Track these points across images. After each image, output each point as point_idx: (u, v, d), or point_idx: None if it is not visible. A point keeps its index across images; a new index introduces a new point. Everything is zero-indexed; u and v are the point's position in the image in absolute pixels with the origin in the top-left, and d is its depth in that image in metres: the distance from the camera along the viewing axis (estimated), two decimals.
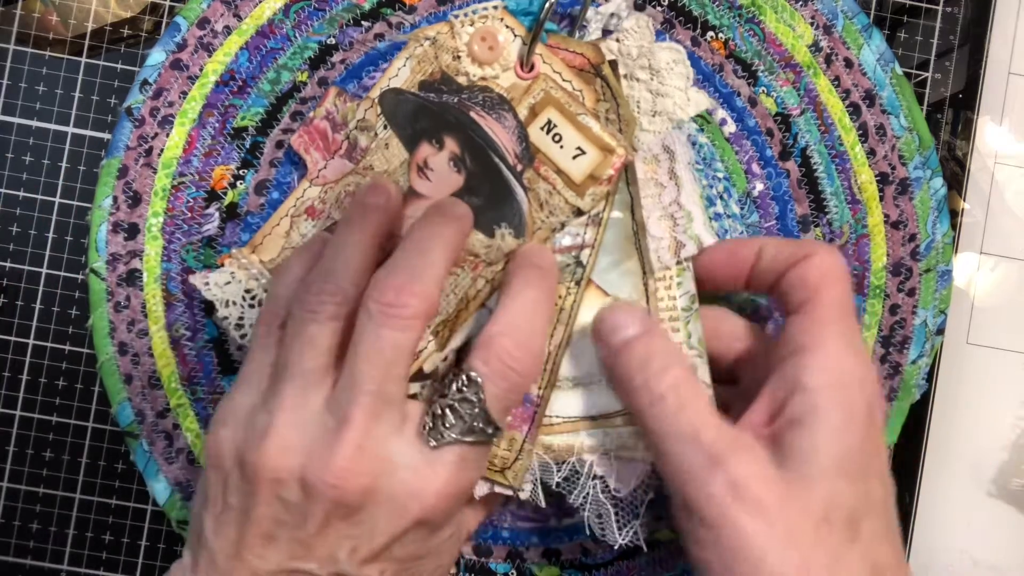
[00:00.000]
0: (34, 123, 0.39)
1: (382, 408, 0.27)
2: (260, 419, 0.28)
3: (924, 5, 0.40)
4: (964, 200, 0.40)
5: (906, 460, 0.39)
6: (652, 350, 0.29)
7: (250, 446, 0.27)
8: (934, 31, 0.40)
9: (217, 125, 0.36)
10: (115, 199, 0.35)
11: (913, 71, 0.40)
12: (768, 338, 0.32)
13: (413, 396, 0.30)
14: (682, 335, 0.32)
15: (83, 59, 0.39)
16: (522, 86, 0.34)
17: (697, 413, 0.27)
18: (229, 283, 0.34)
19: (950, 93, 0.40)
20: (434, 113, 0.34)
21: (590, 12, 0.35)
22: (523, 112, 0.33)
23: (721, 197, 0.36)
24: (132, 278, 0.35)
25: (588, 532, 0.32)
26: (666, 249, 0.32)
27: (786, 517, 0.26)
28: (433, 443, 0.28)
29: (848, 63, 0.36)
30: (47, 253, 0.39)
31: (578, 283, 0.32)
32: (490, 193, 0.33)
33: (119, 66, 0.39)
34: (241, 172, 0.36)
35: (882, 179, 0.36)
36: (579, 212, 0.33)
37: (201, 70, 0.35)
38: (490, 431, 0.28)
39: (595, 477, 0.32)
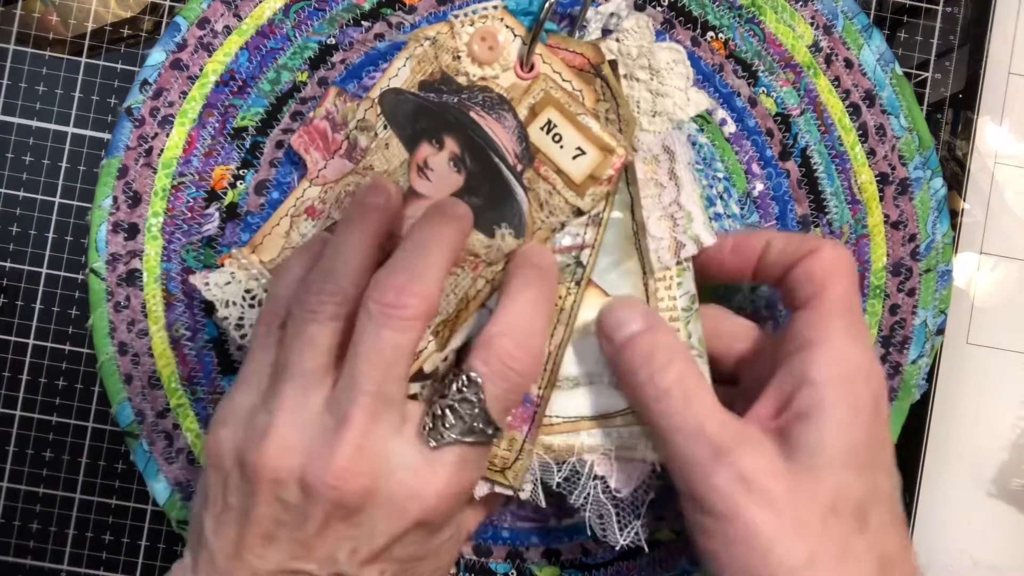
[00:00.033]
0: (34, 123, 0.39)
1: (382, 408, 0.27)
2: (260, 419, 0.28)
3: (924, 5, 0.40)
4: (964, 200, 0.40)
5: (906, 460, 0.39)
6: (656, 345, 0.29)
7: (250, 446, 0.27)
8: (934, 31, 0.40)
9: (217, 125, 0.36)
10: (115, 199, 0.35)
11: (913, 71, 0.40)
12: (768, 338, 0.32)
13: (413, 396, 0.30)
14: (682, 335, 0.32)
15: (83, 59, 0.39)
16: (522, 86, 0.34)
17: (702, 406, 0.28)
18: (229, 283, 0.34)
19: (950, 93, 0.40)
20: (434, 113, 0.34)
21: (590, 12, 0.35)
22: (523, 112, 0.33)
23: (721, 197, 0.36)
24: (132, 278, 0.35)
25: (589, 532, 0.32)
26: (666, 249, 0.32)
27: (794, 508, 0.26)
28: (433, 443, 0.28)
29: (848, 63, 0.36)
30: (47, 253, 0.39)
31: (578, 283, 0.32)
32: (490, 193, 0.33)
33: (119, 66, 0.39)
34: (241, 172, 0.36)
35: (882, 179, 0.36)
36: (579, 212, 0.33)
37: (201, 70, 0.35)
38: (490, 431, 0.28)
39: (596, 477, 0.32)
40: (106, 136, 0.39)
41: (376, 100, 0.34)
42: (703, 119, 0.36)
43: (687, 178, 0.33)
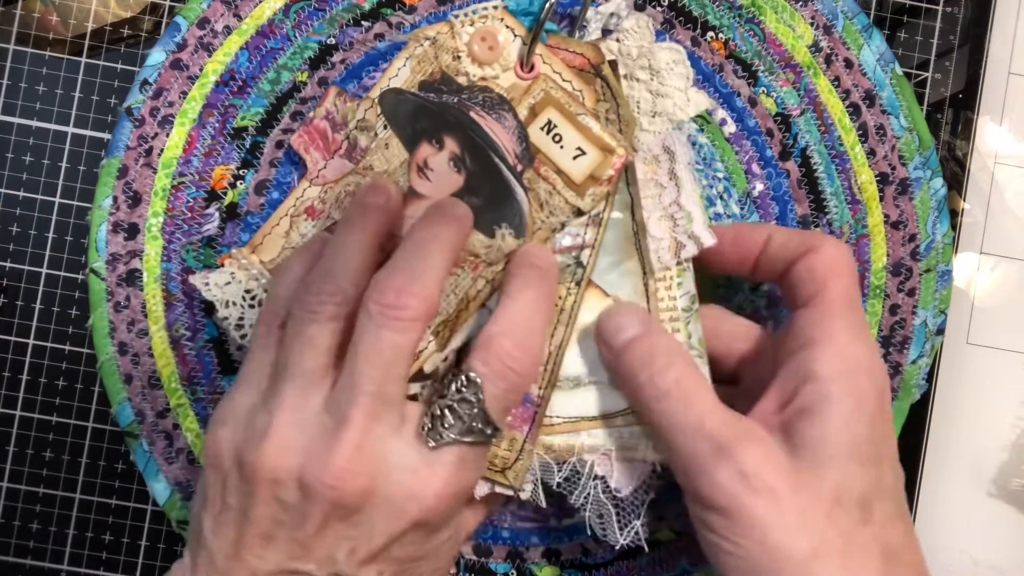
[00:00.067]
0: (34, 123, 0.39)
1: (381, 409, 0.27)
2: (259, 419, 0.28)
3: (924, 5, 0.40)
4: (964, 200, 0.40)
5: (906, 460, 0.39)
6: (654, 348, 0.29)
7: (249, 446, 0.27)
8: (934, 31, 0.40)
9: (217, 125, 0.36)
10: (115, 199, 0.35)
11: (913, 71, 0.40)
12: (769, 338, 0.32)
13: (413, 396, 0.30)
14: (682, 335, 0.32)
15: (83, 59, 0.39)
16: (522, 86, 0.34)
17: (703, 405, 0.28)
18: (229, 283, 0.34)
19: (950, 93, 0.40)
20: (434, 113, 0.34)
21: (590, 12, 0.35)
22: (523, 112, 0.33)
23: (721, 197, 0.36)
24: (132, 278, 0.35)
25: (589, 532, 0.32)
26: (666, 249, 0.32)
27: (797, 502, 0.26)
28: (432, 444, 0.28)
29: (848, 63, 0.36)
30: (47, 253, 0.39)
31: (578, 283, 0.32)
32: (490, 193, 0.33)
33: (119, 66, 0.39)
34: (241, 172, 0.36)
35: (882, 179, 0.36)
36: (579, 212, 0.33)
37: (201, 70, 0.35)
38: (489, 431, 0.28)
39: (596, 477, 0.32)
40: (106, 136, 0.39)
41: (376, 100, 0.34)
42: (703, 119, 0.36)
43: (687, 178, 0.33)
